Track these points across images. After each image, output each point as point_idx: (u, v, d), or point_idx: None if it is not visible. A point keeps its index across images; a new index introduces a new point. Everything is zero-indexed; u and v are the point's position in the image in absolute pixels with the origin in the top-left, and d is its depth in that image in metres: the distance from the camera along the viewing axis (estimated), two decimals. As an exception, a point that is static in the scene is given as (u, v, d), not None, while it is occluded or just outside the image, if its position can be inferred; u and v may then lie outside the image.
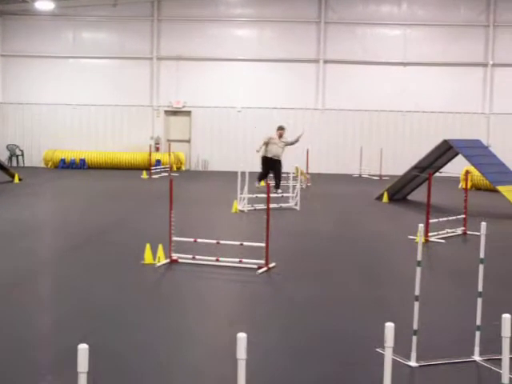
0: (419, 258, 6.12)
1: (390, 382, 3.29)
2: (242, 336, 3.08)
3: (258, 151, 21.18)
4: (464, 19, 29.77)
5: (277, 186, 20.75)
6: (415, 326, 6.11)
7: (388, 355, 3.26)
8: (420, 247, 6.12)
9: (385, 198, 19.22)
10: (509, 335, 3.25)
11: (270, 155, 21.11)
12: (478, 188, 22.86)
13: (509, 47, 29.71)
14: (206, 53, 30.19)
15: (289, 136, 21.59)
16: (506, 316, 3.26)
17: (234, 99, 30.28)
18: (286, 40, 30.15)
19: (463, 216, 13.98)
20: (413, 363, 6.10)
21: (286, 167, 20.78)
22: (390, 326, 3.23)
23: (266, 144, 21.12)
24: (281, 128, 21.62)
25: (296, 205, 17.43)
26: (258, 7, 30.28)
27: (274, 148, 21.18)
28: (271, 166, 21.18)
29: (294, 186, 18.16)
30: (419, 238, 6.25)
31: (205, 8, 30.20)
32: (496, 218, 16.06)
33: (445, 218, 13.97)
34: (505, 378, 3.28)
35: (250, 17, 30.41)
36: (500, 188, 16.98)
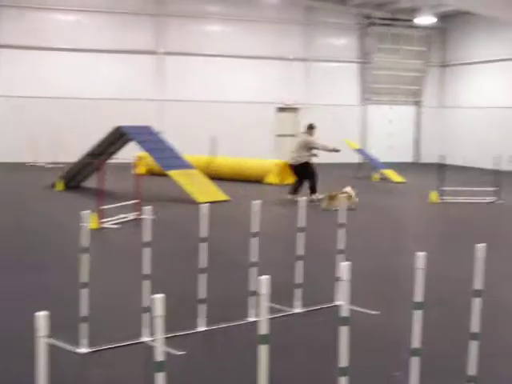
0: (85, 244, 6.15)
1: (45, 372, 3.26)
2: None
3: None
4: (134, 8, 30.21)
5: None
6: (84, 313, 6.12)
7: (42, 344, 3.22)
8: (84, 233, 6.14)
9: (59, 186, 18.96)
10: (160, 314, 3.37)
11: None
12: (152, 173, 23.42)
13: (178, 36, 30.75)
14: None
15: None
16: (157, 296, 3.38)
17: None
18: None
19: (136, 201, 14.25)
20: (83, 350, 6.11)
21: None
22: (42, 316, 3.19)
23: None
24: (311, 127, 18.38)
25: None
26: None
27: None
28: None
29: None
30: (86, 225, 6.27)
31: None
32: (168, 202, 16.62)
33: (119, 204, 14.15)
34: (159, 356, 3.40)
35: None
36: (170, 173, 17.58)
